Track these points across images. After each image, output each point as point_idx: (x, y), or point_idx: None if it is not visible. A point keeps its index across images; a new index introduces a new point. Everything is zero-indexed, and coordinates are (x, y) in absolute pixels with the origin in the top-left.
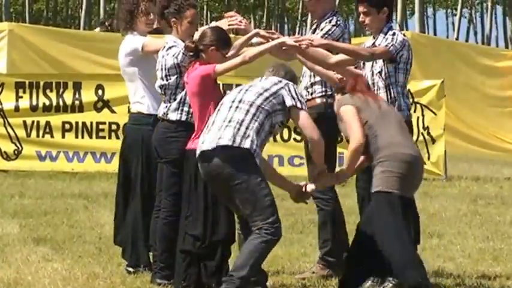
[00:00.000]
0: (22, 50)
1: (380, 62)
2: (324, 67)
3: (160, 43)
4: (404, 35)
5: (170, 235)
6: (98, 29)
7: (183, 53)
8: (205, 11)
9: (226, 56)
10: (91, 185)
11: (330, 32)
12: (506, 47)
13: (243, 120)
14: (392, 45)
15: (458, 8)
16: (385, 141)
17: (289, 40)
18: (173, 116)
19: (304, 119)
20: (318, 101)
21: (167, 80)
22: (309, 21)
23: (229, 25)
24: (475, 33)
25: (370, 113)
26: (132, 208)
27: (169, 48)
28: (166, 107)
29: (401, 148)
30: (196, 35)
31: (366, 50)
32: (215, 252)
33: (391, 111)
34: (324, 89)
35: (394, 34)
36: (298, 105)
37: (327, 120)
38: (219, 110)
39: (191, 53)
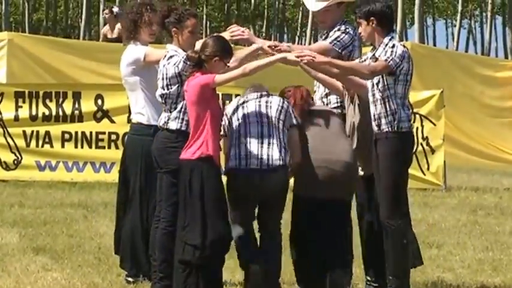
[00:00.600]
0: (22, 59)
1: None
2: (330, 76)
3: (162, 53)
4: (404, 45)
5: (169, 245)
6: (105, 13)
7: (184, 62)
8: (204, 21)
9: (228, 66)
10: (90, 195)
11: (338, 39)
12: (506, 57)
13: (279, 138)
14: (391, 59)
15: (458, 18)
16: None
17: (291, 56)
18: (173, 125)
19: (298, 138)
20: (333, 112)
21: (168, 89)
22: (308, 31)
23: (231, 37)
24: (475, 44)
25: None
26: (131, 218)
27: (170, 57)
28: (167, 116)
29: None
30: (198, 45)
31: (366, 68)
32: (212, 261)
33: None
34: (339, 99)
35: (393, 46)
36: (297, 124)
37: None
38: (245, 124)
39: (193, 63)
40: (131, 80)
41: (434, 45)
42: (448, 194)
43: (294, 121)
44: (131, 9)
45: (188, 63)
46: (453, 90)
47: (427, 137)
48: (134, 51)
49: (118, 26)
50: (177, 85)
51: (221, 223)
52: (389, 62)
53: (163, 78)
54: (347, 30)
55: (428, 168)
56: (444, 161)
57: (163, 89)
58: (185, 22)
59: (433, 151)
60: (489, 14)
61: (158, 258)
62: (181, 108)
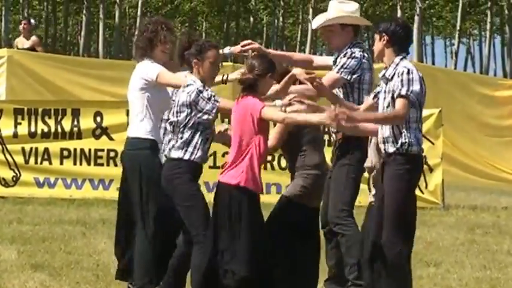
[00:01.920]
0: (21, 76)
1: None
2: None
3: (174, 77)
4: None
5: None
6: None
7: (197, 93)
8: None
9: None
10: (89, 212)
11: (345, 66)
12: (505, 76)
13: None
14: (406, 90)
15: (456, 37)
16: None
17: (329, 119)
18: (175, 154)
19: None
20: None
21: (177, 117)
22: (307, 49)
23: (242, 51)
24: (473, 63)
25: None
26: (139, 235)
27: (187, 86)
28: (172, 144)
29: None
30: (234, 74)
31: (383, 115)
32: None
33: None
34: None
35: (408, 73)
36: None
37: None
38: None
39: (247, 85)
40: (138, 94)
41: (433, 63)
42: (446, 212)
43: None
44: (146, 27)
45: (202, 95)
46: (451, 109)
47: (425, 155)
48: (149, 68)
49: (33, 38)
50: (185, 113)
51: (261, 251)
52: (407, 93)
53: (175, 105)
54: (353, 54)
55: (426, 187)
56: (442, 180)
57: (173, 116)
58: (206, 53)
59: (431, 170)
60: (488, 33)
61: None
62: (188, 139)
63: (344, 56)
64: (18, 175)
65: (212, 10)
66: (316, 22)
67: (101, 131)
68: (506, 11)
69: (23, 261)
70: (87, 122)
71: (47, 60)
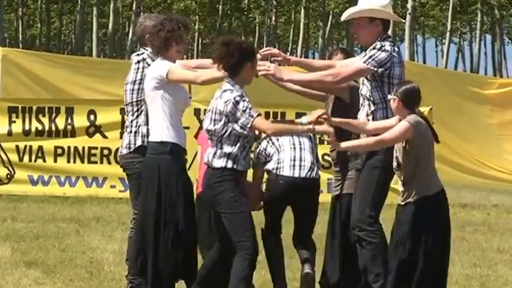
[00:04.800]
0: (15, 75)
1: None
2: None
3: (185, 73)
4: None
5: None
6: None
7: (234, 104)
8: (196, 37)
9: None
10: (82, 209)
11: (373, 57)
12: (495, 75)
13: None
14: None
15: (447, 36)
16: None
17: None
18: (217, 164)
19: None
20: None
21: (214, 125)
22: (299, 47)
23: (263, 58)
24: (464, 62)
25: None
26: (157, 245)
27: (224, 91)
28: (212, 153)
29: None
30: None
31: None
32: None
33: None
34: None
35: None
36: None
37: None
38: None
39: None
40: (152, 95)
41: (424, 62)
42: None
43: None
44: (162, 26)
45: (238, 106)
46: (442, 107)
47: None
48: (159, 67)
49: None
50: (222, 122)
51: None
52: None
53: (212, 112)
54: (383, 47)
55: None
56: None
57: (211, 123)
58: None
59: None
60: (478, 32)
61: None
62: (228, 150)
63: (374, 48)
64: (13, 173)
65: (203, 9)
66: (345, 14)
67: (94, 129)
68: (496, 11)
69: (17, 258)
70: (80, 120)
71: (41, 59)
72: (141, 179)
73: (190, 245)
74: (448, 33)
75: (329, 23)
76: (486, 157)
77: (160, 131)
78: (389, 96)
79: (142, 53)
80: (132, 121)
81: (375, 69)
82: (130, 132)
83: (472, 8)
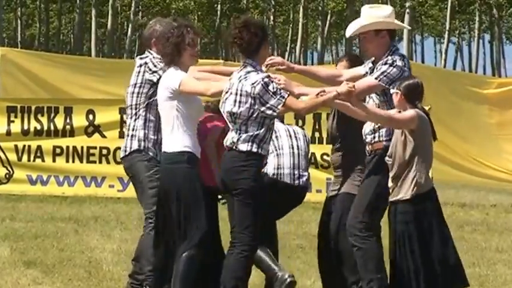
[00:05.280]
0: (14, 74)
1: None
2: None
3: (196, 85)
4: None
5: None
6: None
7: (263, 86)
8: None
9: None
10: (81, 209)
11: (385, 73)
12: (493, 74)
13: None
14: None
15: (446, 35)
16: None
17: (342, 88)
18: (243, 147)
19: None
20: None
21: (239, 108)
22: (297, 48)
23: (267, 66)
24: (463, 61)
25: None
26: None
27: (249, 72)
28: (236, 137)
29: None
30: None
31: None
32: None
33: None
34: (390, 132)
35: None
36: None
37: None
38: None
39: None
40: (166, 105)
41: (423, 62)
42: None
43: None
44: (171, 33)
45: (268, 88)
46: (441, 107)
47: None
48: (172, 77)
49: None
50: (248, 105)
51: None
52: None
53: (236, 94)
54: (395, 63)
55: None
56: (431, 177)
57: (234, 106)
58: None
59: None
60: (476, 31)
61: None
62: (254, 133)
63: (385, 63)
64: (11, 172)
65: (202, 9)
66: (349, 30)
67: (93, 129)
68: (494, 10)
69: (16, 258)
70: (79, 120)
71: (40, 59)
72: (159, 189)
73: (215, 248)
74: (446, 33)
75: (328, 22)
76: (485, 157)
77: (177, 141)
78: (392, 90)
79: (146, 57)
80: (129, 124)
81: (386, 85)
82: (128, 135)
83: (471, 7)
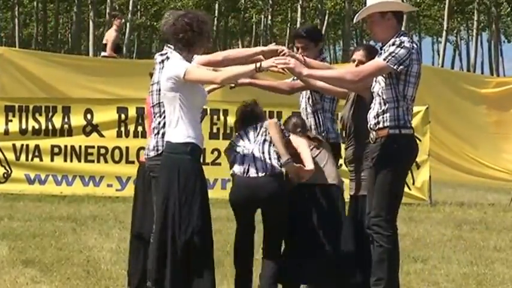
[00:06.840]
0: (12, 73)
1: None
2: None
3: (203, 73)
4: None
5: None
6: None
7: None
8: None
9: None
10: (79, 208)
11: (393, 54)
12: (491, 73)
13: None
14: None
15: (443, 35)
16: None
17: (266, 63)
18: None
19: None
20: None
21: None
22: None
23: (275, 66)
24: (461, 60)
25: None
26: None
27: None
28: None
29: None
30: (267, 62)
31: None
32: None
33: None
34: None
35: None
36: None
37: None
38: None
39: None
40: (169, 95)
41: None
42: (433, 208)
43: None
44: (191, 24)
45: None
46: (439, 106)
47: None
48: (176, 67)
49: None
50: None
51: None
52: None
53: None
54: (402, 44)
55: (413, 183)
56: (429, 176)
57: None
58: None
59: (418, 166)
60: (475, 31)
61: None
62: None
63: (393, 44)
64: (9, 172)
65: (200, 8)
66: (357, 16)
67: (91, 128)
68: (493, 8)
69: (14, 257)
70: (77, 119)
71: (38, 58)
72: (159, 177)
73: (205, 246)
74: (444, 32)
75: (325, 22)
76: (483, 156)
77: (180, 132)
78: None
79: (166, 53)
80: (159, 123)
81: (395, 66)
82: (157, 134)
83: (469, 7)
